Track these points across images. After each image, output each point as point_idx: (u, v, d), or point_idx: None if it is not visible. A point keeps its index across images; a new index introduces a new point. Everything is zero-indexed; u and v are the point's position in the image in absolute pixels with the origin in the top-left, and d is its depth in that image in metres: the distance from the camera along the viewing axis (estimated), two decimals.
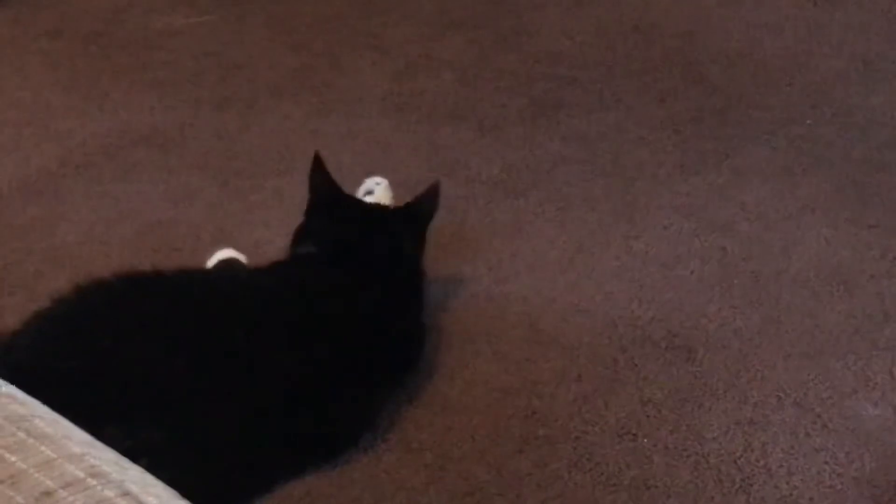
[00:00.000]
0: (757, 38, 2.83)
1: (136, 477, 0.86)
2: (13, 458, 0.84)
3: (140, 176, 2.40)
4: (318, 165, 2.01)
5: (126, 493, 0.82)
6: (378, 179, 2.21)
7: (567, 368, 1.96)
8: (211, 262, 2.11)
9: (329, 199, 2.01)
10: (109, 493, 0.81)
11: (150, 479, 0.88)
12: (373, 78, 2.71)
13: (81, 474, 0.83)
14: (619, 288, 2.13)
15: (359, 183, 2.20)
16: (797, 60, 2.76)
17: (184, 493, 0.89)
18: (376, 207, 2.09)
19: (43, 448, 0.85)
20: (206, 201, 2.33)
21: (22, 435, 0.87)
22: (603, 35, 2.85)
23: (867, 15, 2.90)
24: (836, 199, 2.32)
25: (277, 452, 1.75)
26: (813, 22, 2.88)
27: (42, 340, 1.74)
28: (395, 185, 2.21)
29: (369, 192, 2.18)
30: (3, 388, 0.95)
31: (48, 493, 0.80)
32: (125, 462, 0.90)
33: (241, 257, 2.11)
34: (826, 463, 1.80)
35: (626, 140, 2.50)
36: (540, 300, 2.10)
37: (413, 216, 2.03)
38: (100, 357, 1.71)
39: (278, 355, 1.77)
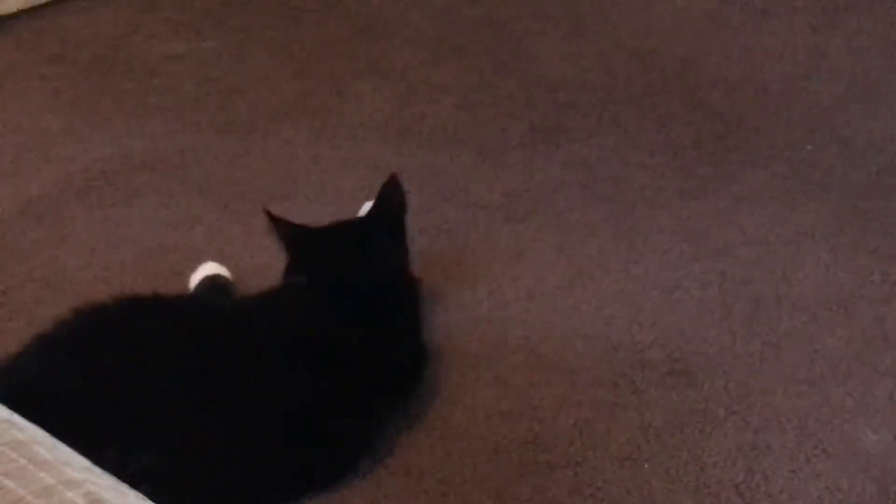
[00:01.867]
0: (756, 64, 2.84)
1: (134, 503, 0.86)
2: (12, 485, 0.84)
3: (141, 201, 2.40)
4: (273, 220, 2.00)
5: None
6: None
7: (567, 393, 1.96)
8: (196, 277, 2.11)
9: (300, 240, 2.01)
10: None
11: None
12: (373, 103, 2.71)
13: (81, 501, 0.83)
14: (620, 312, 2.13)
15: (358, 208, 2.20)
16: (796, 85, 2.76)
17: None
18: (346, 226, 2.07)
19: (42, 474, 0.85)
20: (206, 226, 2.33)
21: (22, 461, 0.87)
22: (602, 60, 2.86)
23: (866, 40, 2.91)
24: (836, 224, 2.32)
25: (277, 478, 1.75)
26: (812, 47, 2.89)
27: (42, 364, 1.74)
28: None
29: None
30: (3, 414, 0.95)
31: None
32: (124, 488, 0.90)
33: (224, 271, 2.12)
34: (827, 488, 1.79)
35: (626, 165, 2.51)
36: (540, 325, 2.10)
37: (383, 217, 2.02)
38: (99, 381, 1.71)
39: (278, 380, 1.77)
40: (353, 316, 1.89)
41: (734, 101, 2.71)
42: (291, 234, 2.01)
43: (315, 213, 2.13)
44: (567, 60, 2.86)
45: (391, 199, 2.03)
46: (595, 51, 2.90)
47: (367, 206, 2.20)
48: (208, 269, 2.13)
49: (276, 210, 2.33)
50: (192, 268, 2.15)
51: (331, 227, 2.06)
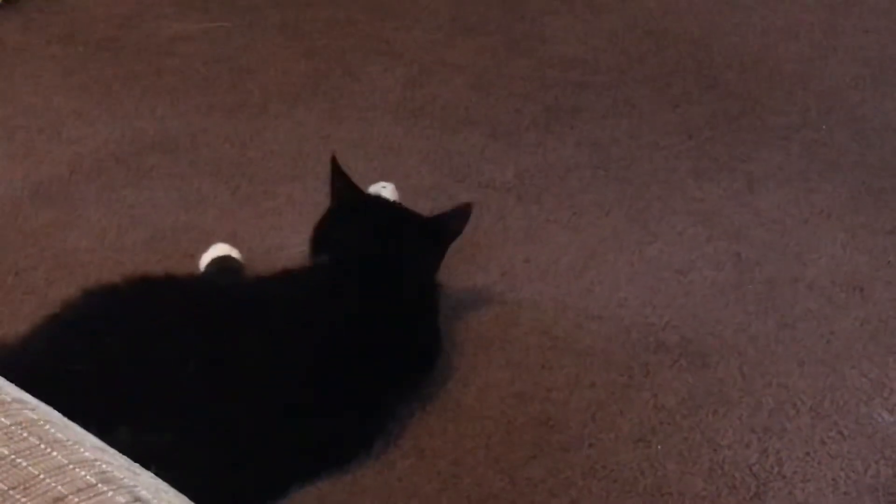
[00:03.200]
0: (771, 44, 2.82)
1: (147, 483, 0.86)
2: (25, 464, 0.83)
3: (152, 182, 2.39)
4: (337, 170, 2.00)
5: (137, 499, 0.81)
6: (384, 184, 2.21)
7: (580, 375, 1.95)
8: (206, 258, 2.11)
9: (352, 204, 2.00)
10: (121, 499, 0.81)
11: (162, 485, 0.87)
12: (385, 84, 2.70)
13: (93, 480, 0.82)
14: (633, 294, 2.12)
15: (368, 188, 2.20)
16: (811, 66, 2.75)
17: (195, 500, 0.88)
18: (401, 215, 2.05)
19: (54, 453, 0.85)
20: (217, 207, 2.33)
21: (33, 440, 0.86)
22: (616, 41, 2.84)
23: (881, 20, 2.89)
24: (852, 204, 2.31)
25: (290, 458, 1.74)
26: (827, 27, 2.87)
27: (53, 345, 1.74)
28: (407, 191, 2.20)
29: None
30: (15, 394, 0.94)
31: (60, 499, 0.80)
32: (137, 468, 0.89)
33: (236, 252, 2.11)
34: (842, 470, 1.79)
35: (640, 146, 2.49)
36: (553, 306, 2.09)
37: (437, 232, 2.00)
38: (110, 361, 1.71)
39: (290, 360, 1.77)
40: (374, 297, 1.88)
41: (748, 81, 2.69)
42: (345, 193, 2.00)
43: (326, 194, 2.12)
44: (580, 40, 2.85)
45: (455, 220, 2.01)
46: (609, 31, 2.88)
47: (374, 186, 2.19)
48: (219, 250, 2.13)
49: (287, 190, 2.33)
50: (203, 249, 2.15)
51: (386, 206, 2.05)
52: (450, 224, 2.01)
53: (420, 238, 1.98)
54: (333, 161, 2.01)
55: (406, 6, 2.99)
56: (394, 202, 2.12)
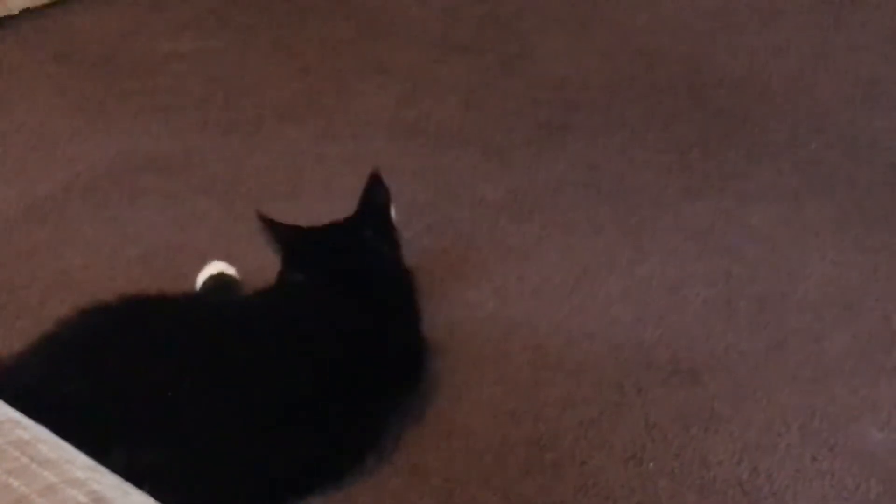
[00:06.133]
0: (761, 62, 2.84)
1: (138, 502, 0.86)
2: (16, 483, 0.84)
3: (146, 200, 2.40)
4: (267, 223, 2.03)
5: None
6: None
7: (572, 392, 1.96)
8: (202, 275, 2.11)
9: (293, 240, 2.03)
10: None
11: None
12: (378, 102, 2.71)
13: (84, 499, 0.83)
14: (625, 311, 2.12)
15: None
16: (802, 84, 2.76)
17: None
18: (335, 225, 2.08)
19: (46, 473, 0.85)
20: (211, 225, 2.33)
21: (25, 460, 0.87)
22: (607, 59, 2.85)
23: (871, 38, 2.91)
24: (842, 222, 2.32)
25: (282, 475, 1.75)
26: (818, 45, 2.89)
27: (46, 364, 1.74)
28: (400, 209, 2.21)
29: None
30: (7, 413, 0.95)
31: None
32: (128, 487, 0.90)
33: (232, 270, 2.12)
34: (832, 487, 1.79)
35: (632, 163, 2.50)
36: (545, 324, 2.10)
37: (370, 213, 2.04)
38: (104, 380, 1.71)
39: (282, 378, 1.77)
40: (351, 312, 1.90)
41: (739, 99, 2.70)
42: (284, 235, 2.03)
43: (320, 212, 2.12)
44: (572, 59, 2.86)
45: (376, 195, 2.06)
46: (600, 49, 2.89)
47: None
48: (215, 268, 2.13)
49: (281, 208, 2.33)
50: (198, 267, 2.15)
51: (321, 227, 2.07)
52: (374, 198, 2.05)
53: (363, 229, 2.02)
54: (260, 217, 2.03)
55: (399, 25, 3.00)
56: (331, 222, 2.13)
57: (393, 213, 2.17)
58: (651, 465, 1.83)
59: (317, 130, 2.62)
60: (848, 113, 2.65)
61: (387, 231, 2.06)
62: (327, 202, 2.37)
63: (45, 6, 3.01)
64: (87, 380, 1.70)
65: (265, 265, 2.20)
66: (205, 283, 2.11)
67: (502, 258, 2.25)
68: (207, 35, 2.95)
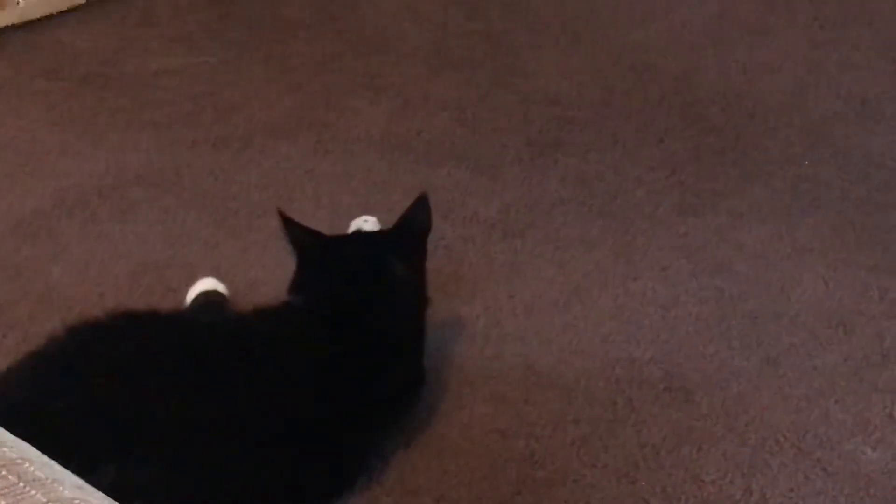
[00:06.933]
0: (754, 79, 2.84)
1: None
2: (3, 503, 0.83)
3: (136, 216, 2.39)
4: (288, 223, 1.96)
5: None
6: (366, 217, 2.21)
7: (565, 410, 1.95)
8: (192, 292, 2.10)
9: (314, 248, 1.97)
10: None
11: None
12: (370, 118, 2.71)
13: None
14: (617, 329, 2.12)
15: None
16: (795, 101, 2.76)
17: None
18: (364, 241, 2.03)
19: (33, 492, 0.85)
20: (201, 241, 2.32)
21: (12, 479, 0.86)
22: (600, 76, 2.85)
23: (865, 55, 2.91)
24: (835, 240, 2.31)
25: (273, 495, 1.73)
26: (810, 62, 2.89)
27: (34, 381, 1.73)
28: (391, 225, 2.20)
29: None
30: None
31: None
32: None
33: (222, 287, 2.11)
34: None
35: (624, 180, 2.50)
36: (537, 341, 2.09)
37: (405, 236, 1.97)
38: (93, 398, 1.70)
39: (273, 396, 1.76)
40: (355, 335, 1.87)
41: (732, 116, 2.70)
42: (303, 240, 1.97)
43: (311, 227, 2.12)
44: (565, 75, 2.86)
45: (417, 218, 1.98)
46: (593, 65, 2.89)
47: (356, 221, 2.20)
48: (205, 284, 2.12)
49: (271, 226, 2.32)
50: (188, 283, 2.14)
51: (346, 238, 2.03)
52: (416, 221, 1.98)
53: (390, 252, 1.95)
54: (281, 215, 1.96)
55: (390, 41, 3.00)
56: (357, 232, 2.10)
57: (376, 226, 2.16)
58: (643, 483, 1.82)
59: (308, 146, 2.61)
60: (841, 130, 2.65)
61: (417, 257, 1.98)
62: (317, 218, 2.36)
63: (34, 21, 3.00)
64: (75, 397, 1.68)
65: (255, 281, 2.19)
66: (194, 300, 2.10)
67: (494, 275, 2.25)
68: (198, 51, 2.94)
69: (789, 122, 2.68)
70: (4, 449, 0.90)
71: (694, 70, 2.87)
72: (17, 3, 2.98)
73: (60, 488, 0.86)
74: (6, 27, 2.96)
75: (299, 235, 1.96)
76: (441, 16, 3.09)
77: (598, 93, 2.79)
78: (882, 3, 3.10)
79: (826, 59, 2.90)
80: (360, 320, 1.89)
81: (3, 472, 0.86)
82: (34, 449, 0.94)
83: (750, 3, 3.13)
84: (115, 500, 0.90)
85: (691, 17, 3.07)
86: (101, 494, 0.90)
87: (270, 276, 2.18)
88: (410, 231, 1.98)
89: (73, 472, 0.92)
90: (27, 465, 0.89)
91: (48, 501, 0.84)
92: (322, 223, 2.29)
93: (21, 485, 0.85)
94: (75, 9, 3.05)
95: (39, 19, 3.01)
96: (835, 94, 2.77)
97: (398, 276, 1.95)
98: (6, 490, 0.84)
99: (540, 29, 3.04)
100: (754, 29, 3.03)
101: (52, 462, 0.92)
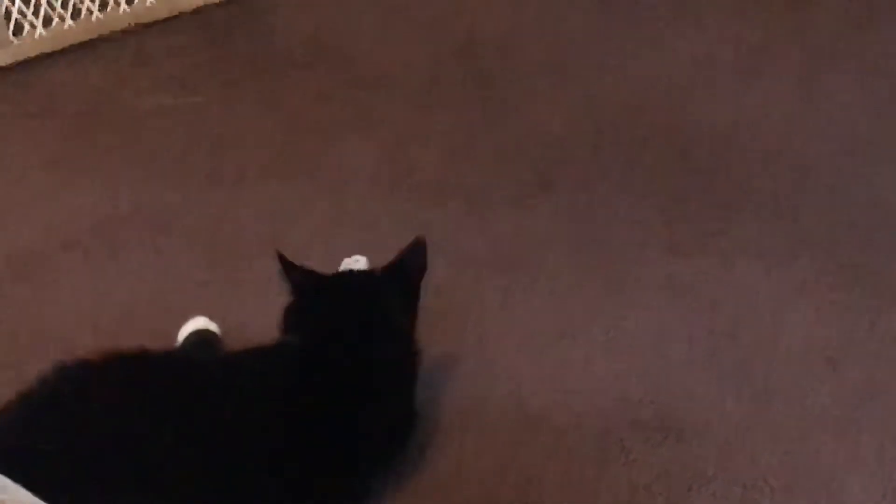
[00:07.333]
0: (743, 119, 2.85)
1: None
2: None
3: (127, 255, 2.39)
4: (284, 263, 1.97)
5: None
6: (357, 257, 2.21)
7: (556, 450, 1.95)
8: (184, 331, 2.10)
9: (312, 288, 1.98)
10: None
11: None
12: (362, 156, 2.71)
13: None
14: (608, 367, 2.12)
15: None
16: (783, 141, 2.77)
17: None
18: (360, 282, 2.04)
19: None
20: (193, 281, 2.32)
21: None
22: (590, 114, 2.86)
23: (852, 97, 2.92)
24: (823, 279, 2.32)
25: None
26: (799, 102, 2.90)
27: (24, 421, 1.73)
28: (382, 263, 2.20)
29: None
30: None
31: None
32: None
33: (214, 326, 2.11)
34: None
35: (614, 218, 2.50)
36: (527, 380, 2.10)
37: (399, 278, 1.98)
38: (83, 437, 1.69)
39: (266, 436, 1.76)
40: (347, 378, 1.86)
41: (721, 155, 2.71)
42: (302, 281, 1.97)
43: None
44: (555, 115, 2.87)
45: (413, 259, 1.98)
46: (582, 104, 2.90)
47: (348, 261, 2.20)
48: (196, 323, 2.12)
49: (264, 264, 2.33)
50: (179, 322, 2.14)
51: (341, 278, 2.04)
52: (411, 264, 1.99)
53: (384, 294, 1.96)
54: (280, 257, 1.97)
55: (382, 79, 3.01)
56: (351, 270, 2.10)
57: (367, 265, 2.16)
58: None
59: (300, 184, 2.62)
60: (828, 170, 2.66)
61: (411, 300, 1.99)
62: (309, 257, 2.36)
63: (28, 60, 3.01)
64: (66, 438, 1.68)
65: (246, 321, 2.19)
66: (186, 339, 2.10)
67: (485, 313, 2.25)
68: (190, 90, 2.95)
69: (777, 161, 2.69)
70: None
71: (683, 109, 2.88)
72: (11, 42, 2.99)
73: None
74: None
75: (298, 277, 1.97)
76: (432, 55, 3.10)
77: (588, 132, 2.80)
78: (868, 45, 3.12)
79: (815, 99, 2.92)
80: (355, 360, 1.89)
81: None
82: (24, 490, 0.94)
83: (737, 44, 3.15)
84: None
85: (679, 57, 3.08)
86: None
87: (262, 315, 2.18)
88: (405, 273, 1.98)
89: None
90: None
91: None
92: (314, 261, 2.30)
93: None
94: (68, 49, 3.06)
95: (32, 58, 3.02)
96: (823, 135, 2.78)
97: (393, 317, 1.95)
98: None
99: (531, 68, 3.05)
100: (742, 68, 3.05)
101: (41, 502, 0.92)
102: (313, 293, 1.96)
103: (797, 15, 3.20)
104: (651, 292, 2.30)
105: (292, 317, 1.96)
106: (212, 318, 2.15)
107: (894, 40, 3.10)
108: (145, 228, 2.47)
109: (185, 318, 2.16)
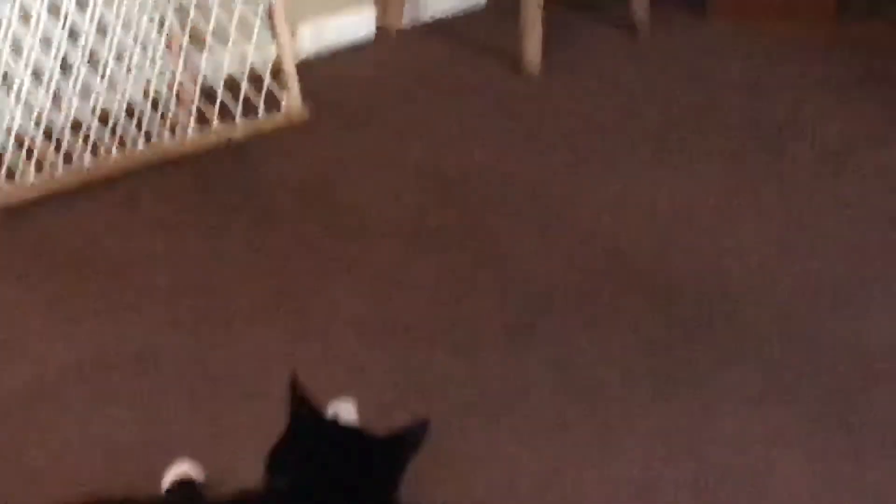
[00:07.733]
0: (724, 263, 2.89)
1: None
2: None
3: (113, 399, 2.39)
4: (294, 391, 1.96)
5: None
6: (344, 401, 2.22)
7: None
8: (168, 478, 2.10)
9: (309, 427, 1.98)
10: None
11: None
12: (348, 302, 2.74)
13: None
14: None
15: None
16: (765, 283, 2.81)
17: None
18: (357, 439, 2.03)
19: None
20: (179, 424, 2.32)
21: None
22: (574, 259, 2.90)
23: (831, 239, 2.97)
24: (806, 427, 2.33)
25: None
26: (778, 246, 2.95)
27: None
28: (369, 408, 2.21)
29: (334, 416, 2.17)
30: None
31: None
32: None
33: (197, 471, 2.10)
34: None
35: (599, 364, 2.52)
36: None
37: (395, 450, 1.97)
38: None
39: None
40: None
41: (703, 300, 2.74)
42: (301, 416, 1.96)
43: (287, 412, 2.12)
44: (540, 259, 2.90)
45: (412, 437, 1.97)
46: (565, 249, 2.94)
47: (335, 405, 2.20)
48: (180, 469, 2.12)
49: (250, 410, 2.33)
50: (164, 466, 2.14)
51: (342, 431, 2.02)
52: (407, 441, 1.99)
53: (378, 461, 1.96)
54: (294, 380, 1.97)
55: (367, 224, 3.05)
56: (350, 426, 2.11)
57: (355, 415, 2.16)
58: None
59: (286, 329, 2.63)
60: (811, 315, 2.69)
61: (396, 467, 1.96)
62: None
63: (19, 205, 3.04)
64: None
65: (231, 466, 2.18)
66: (169, 487, 2.09)
67: (470, 459, 2.25)
68: (180, 235, 2.98)
69: (759, 307, 2.72)
70: None
71: (664, 253, 2.92)
72: (1, 187, 3.03)
73: None
74: None
75: (300, 413, 1.96)
76: (417, 201, 3.15)
77: (572, 276, 2.84)
78: (849, 186, 3.18)
79: (793, 243, 2.97)
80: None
81: None
82: None
83: (718, 188, 3.22)
84: None
85: (661, 201, 3.14)
86: None
87: (247, 460, 2.17)
88: (401, 445, 1.98)
89: None
90: None
91: None
92: None
93: None
94: (59, 193, 3.10)
95: (24, 203, 3.05)
96: (803, 279, 2.82)
97: (380, 473, 1.95)
98: None
99: (515, 214, 3.10)
100: (722, 213, 3.10)
101: None
102: (312, 436, 1.96)
103: (772, 158, 3.29)
104: (636, 438, 2.30)
105: (281, 458, 1.95)
106: (197, 461, 2.15)
107: (870, 178, 3.17)
108: (131, 372, 2.48)
109: (170, 462, 2.16)
